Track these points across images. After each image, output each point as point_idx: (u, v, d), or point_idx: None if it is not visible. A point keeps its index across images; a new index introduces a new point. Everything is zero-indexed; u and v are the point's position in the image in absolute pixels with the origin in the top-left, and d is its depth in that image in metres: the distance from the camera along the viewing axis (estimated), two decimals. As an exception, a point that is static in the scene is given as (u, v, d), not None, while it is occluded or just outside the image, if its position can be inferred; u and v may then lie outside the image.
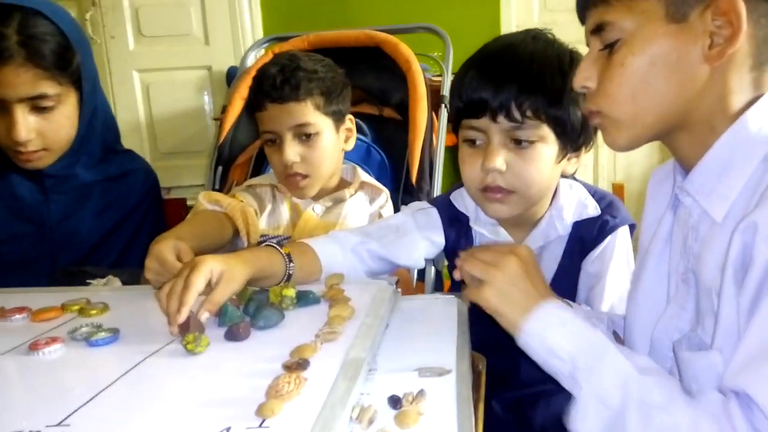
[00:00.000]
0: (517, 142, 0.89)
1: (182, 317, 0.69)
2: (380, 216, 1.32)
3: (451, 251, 1.05)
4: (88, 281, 0.99)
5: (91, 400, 0.55)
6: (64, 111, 1.11)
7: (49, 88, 1.07)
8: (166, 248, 0.89)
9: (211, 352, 0.66)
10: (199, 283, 0.73)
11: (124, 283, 1.02)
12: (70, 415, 0.53)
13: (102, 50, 3.03)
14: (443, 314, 0.80)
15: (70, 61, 1.10)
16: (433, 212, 1.06)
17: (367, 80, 1.63)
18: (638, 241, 0.83)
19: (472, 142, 0.93)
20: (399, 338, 0.71)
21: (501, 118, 0.88)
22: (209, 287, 0.75)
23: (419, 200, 1.22)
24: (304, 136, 1.20)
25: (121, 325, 0.75)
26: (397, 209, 1.32)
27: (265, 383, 0.56)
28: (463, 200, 1.04)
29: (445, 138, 1.61)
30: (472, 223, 1.03)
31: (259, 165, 1.60)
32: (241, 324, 0.70)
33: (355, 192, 1.31)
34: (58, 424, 0.51)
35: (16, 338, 0.73)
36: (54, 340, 0.70)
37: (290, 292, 0.79)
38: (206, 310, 0.72)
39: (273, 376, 0.57)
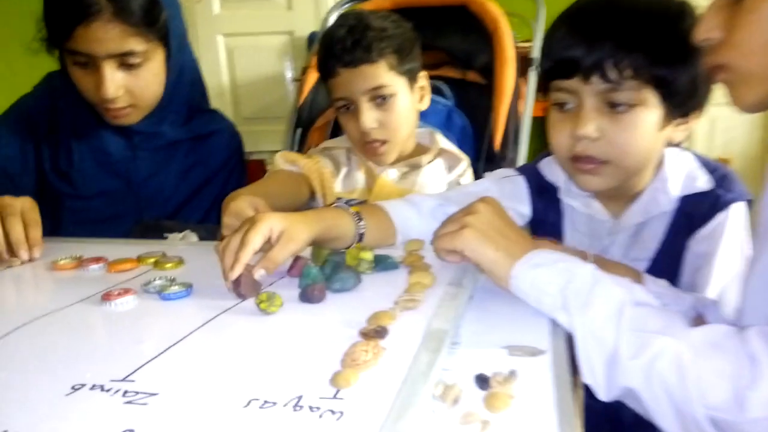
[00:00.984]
0: (613, 106, 0.80)
1: (234, 274, 0.67)
2: (459, 185, 1.25)
3: (537, 224, 0.98)
4: (164, 235, 0.98)
5: (157, 356, 0.53)
6: (151, 68, 1.10)
7: (136, 44, 1.06)
8: (244, 204, 0.87)
9: (285, 313, 0.63)
10: (255, 241, 0.70)
11: (201, 239, 1.01)
12: (135, 370, 0.50)
13: (188, 14, 3.06)
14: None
15: (157, 17, 1.09)
16: (520, 180, 0.98)
17: (451, 42, 1.56)
18: (756, 220, 0.73)
19: (561, 105, 0.84)
20: (484, 311, 0.65)
21: (595, 79, 0.78)
22: (269, 244, 0.72)
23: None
24: (380, 98, 1.15)
25: (195, 280, 0.73)
26: (477, 178, 1.25)
27: (340, 350, 0.51)
28: (552, 169, 0.96)
29: (532, 105, 1.52)
30: (562, 195, 0.95)
31: (338, 128, 1.56)
32: (316, 285, 0.66)
33: (433, 159, 1.24)
34: (123, 380, 0.49)
35: (91, 288, 0.72)
36: (127, 291, 0.68)
37: (368, 255, 0.74)
38: (263, 268, 0.69)
39: (349, 342, 0.52)
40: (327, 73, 1.17)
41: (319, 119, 1.60)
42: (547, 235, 0.83)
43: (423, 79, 1.24)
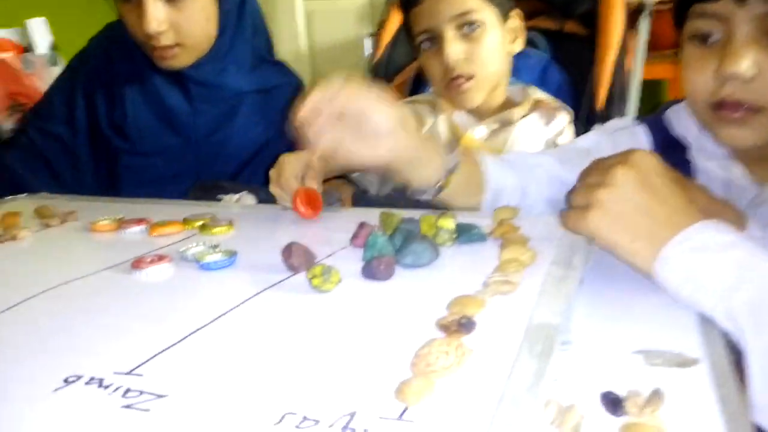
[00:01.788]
0: None
1: (306, 106, 0.65)
2: (556, 145, 1.09)
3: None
4: (219, 197, 0.88)
5: (177, 343, 0.41)
6: (197, 1, 1.00)
7: None
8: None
9: (342, 292, 0.50)
10: (334, 83, 0.65)
11: (260, 201, 0.90)
12: (146, 361, 0.39)
13: (267, -24, 2.99)
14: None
15: None
16: (640, 132, 0.81)
17: (547, -14, 1.38)
18: None
19: (703, 38, 0.66)
20: (600, 300, 0.50)
21: (753, 0, 0.60)
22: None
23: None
24: (468, 26, 1.02)
25: (243, 248, 0.61)
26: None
27: (411, 348, 0.38)
28: (682, 121, 0.78)
29: (643, 60, 1.33)
30: (693, 154, 0.77)
31: (416, 88, 1.43)
32: (383, 259, 0.52)
33: (528, 113, 1.09)
34: (129, 372, 0.37)
35: (126, 252, 0.62)
36: (162, 258, 0.58)
37: (448, 223, 0.60)
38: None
39: (422, 338, 0.39)
40: (411, 1, 1.05)
41: (396, 77, 1.48)
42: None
43: (517, 18, 1.09)
